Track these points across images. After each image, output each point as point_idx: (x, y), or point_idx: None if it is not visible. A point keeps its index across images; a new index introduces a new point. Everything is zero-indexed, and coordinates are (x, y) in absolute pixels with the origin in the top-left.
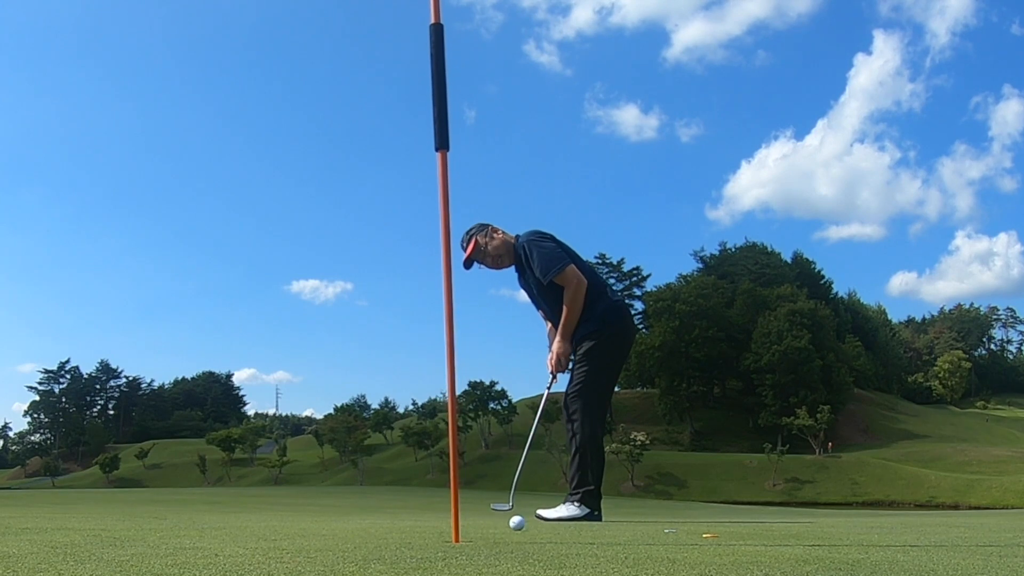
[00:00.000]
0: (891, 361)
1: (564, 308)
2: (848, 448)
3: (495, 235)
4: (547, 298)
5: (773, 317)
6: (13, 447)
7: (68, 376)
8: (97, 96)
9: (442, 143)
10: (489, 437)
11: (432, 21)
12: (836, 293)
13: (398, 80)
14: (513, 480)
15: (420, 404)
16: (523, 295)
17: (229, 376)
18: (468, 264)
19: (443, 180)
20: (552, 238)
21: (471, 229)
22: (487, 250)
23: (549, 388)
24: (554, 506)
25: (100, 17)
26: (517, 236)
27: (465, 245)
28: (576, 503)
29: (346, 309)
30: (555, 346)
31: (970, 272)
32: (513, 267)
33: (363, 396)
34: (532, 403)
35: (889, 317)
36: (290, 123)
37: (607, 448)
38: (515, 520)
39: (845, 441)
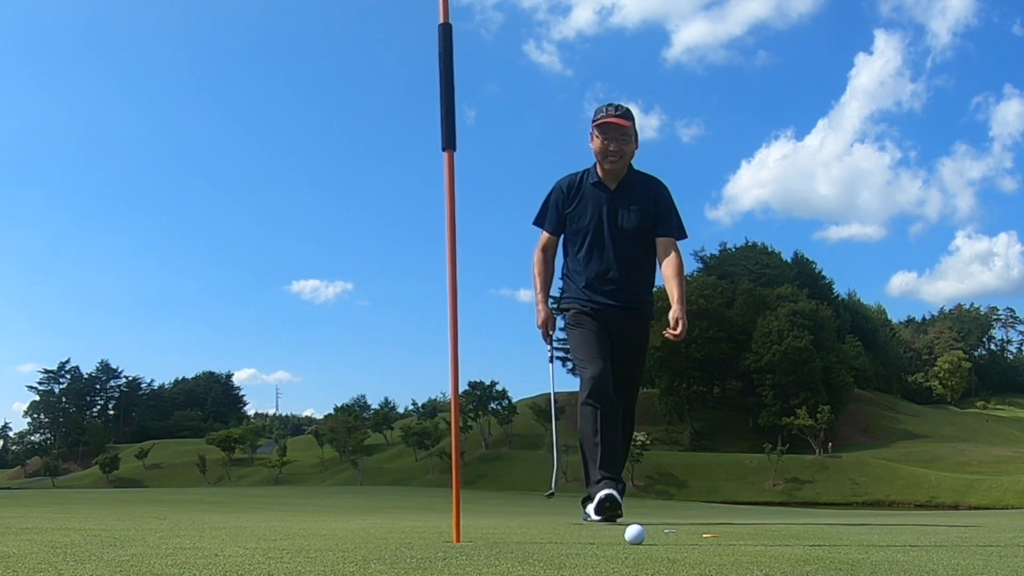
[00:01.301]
0: (891, 361)
1: (680, 275)
2: (848, 448)
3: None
4: (632, 247)
5: (773, 317)
6: (13, 447)
7: (68, 376)
8: (98, 94)
9: (449, 143)
10: (489, 437)
11: (441, 21)
12: (836, 294)
13: (399, 79)
14: (553, 469)
15: (420, 404)
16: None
17: (229, 376)
18: (606, 125)
19: (450, 180)
20: None
21: (631, 113)
22: (630, 137)
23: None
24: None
25: (103, 15)
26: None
27: (622, 113)
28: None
29: (346, 309)
30: (679, 312)
31: (970, 272)
32: (596, 174)
33: (363, 396)
34: (532, 403)
35: (889, 317)
36: (291, 123)
37: None
38: (634, 530)
39: (845, 441)
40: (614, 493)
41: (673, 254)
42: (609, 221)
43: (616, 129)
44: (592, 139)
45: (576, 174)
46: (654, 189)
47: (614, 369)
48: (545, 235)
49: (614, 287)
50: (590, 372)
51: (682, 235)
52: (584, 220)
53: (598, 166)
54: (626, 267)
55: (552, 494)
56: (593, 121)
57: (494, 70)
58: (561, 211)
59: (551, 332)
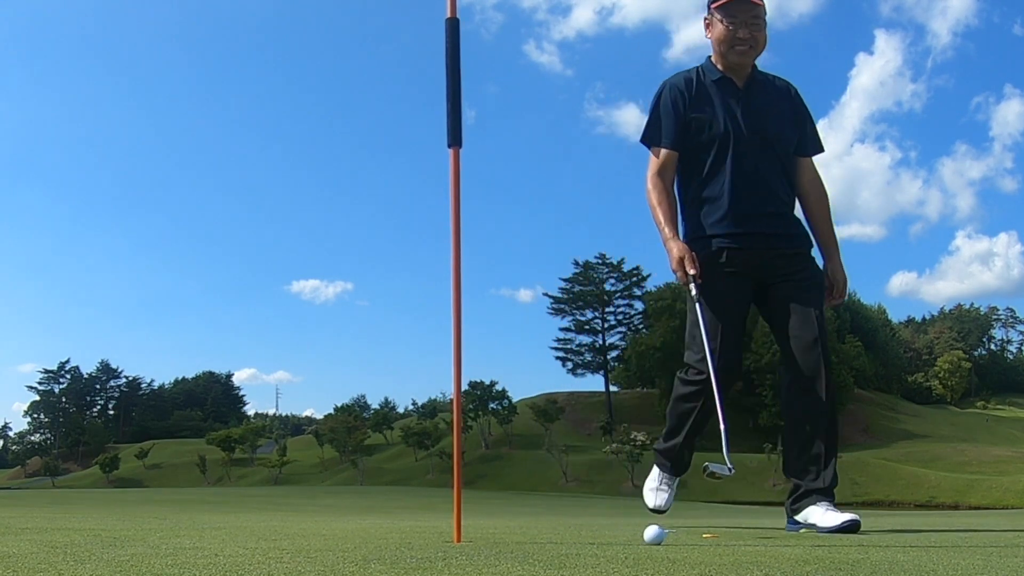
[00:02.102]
0: (891, 361)
1: (830, 213)
2: (848, 448)
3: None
4: (777, 162)
5: None
6: (13, 447)
7: (68, 376)
8: (98, 93)
9: (455, 140)
10: (489, 437)
11: (448, 15)
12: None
13: (401, 77)
14: (722, 440)
15: (420, 404)
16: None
17: (229, 376)
18: (733, 5)
19: (455, 178)
20: None
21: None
22: (763, 21)
23: (697, 296)
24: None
25: (105, 13)
26: None
27: None
28: (835, 505)
29: (346, 309)
30: (840, 271)
31: (970, 272)
32: (716, 68)
33: (363, 396)
34: (532, 403)
35: (889, 317)
36: (291, 122)
37: (606, 449)
38: (653, 531)
39: (845, 441)
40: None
41: (821, 181)
42: (747, 126)
43: (747, 10)
44: (711, 27)
45: (689, 71)
46: (789, 91)
47: (788, 325)
48: (661, 153)
49: (767, 212)
50: (717, 350)
51: (819, 145)
52: (713, 126)
53: (717, 60)
54: (777, 186)
55: (728, 469)
56: (712, 3)
57: (494, 70)
58: (683, 115)
59: (693, 269)
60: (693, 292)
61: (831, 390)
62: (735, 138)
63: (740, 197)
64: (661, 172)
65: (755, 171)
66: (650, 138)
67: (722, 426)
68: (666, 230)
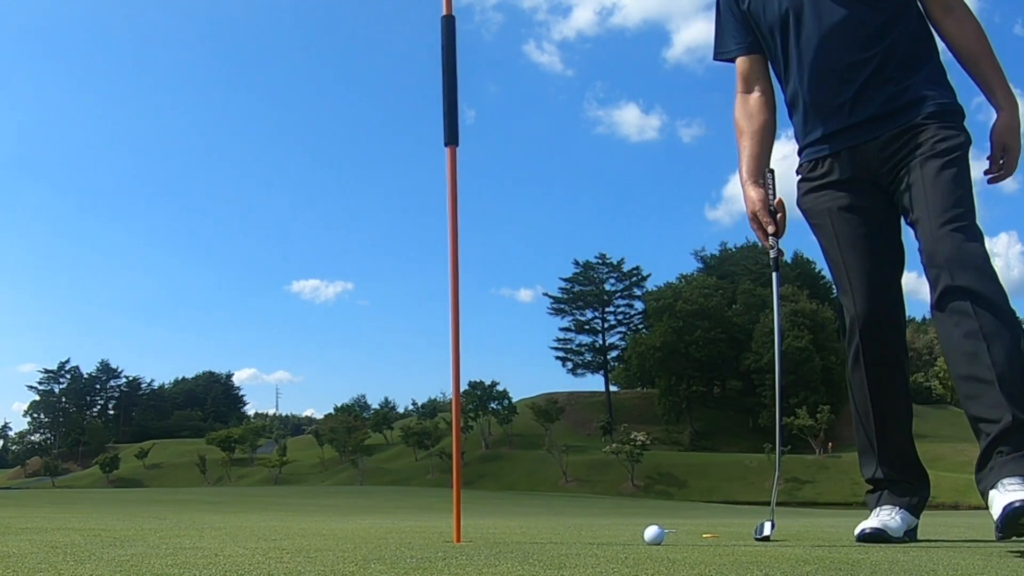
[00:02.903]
0: None
1: (986, 45)
2: (848, 448)
3: None
4: (868, 14)
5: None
6: (13, 447)
7: (68, 376)
8: (100, 93)
9: (451, 138)
10: (489, 437)
11: (444, 13)
12: (836, 294)
13: (399, 78)
14: (772, 496)
15: (420, 404)
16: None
17: (229, 376)
18: None
19: (452, 176)
20: None
21: None
22: None
23: (776, 252)
24: None
25: (109, 9)
26: None
27: None
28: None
29: (347, 309)
30: (1008, 129)
31: None
32: None
33: (363, 396)
34: (532, 403)
35: None
36: (291, 122)
37: (606, 449)
38: (653, 531)
39: (845, 441)
40: (879, 528)
41: (961, 9)
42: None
43: None
44: None
45: None
46: None
47: (922, 224)
48: (736, 63)
49: (852, 95)
50: (852, 304)
51: None
52: (768, 9)
53: None
54: (866, 54)
55: (764, 536)
56: None
57: (494, 70)
58: (744, 11)
59: (769, 224)
60: (772, 254)
61: (997, 300)
62: (795, 12)
63: (816, 85)
64: (744, 88)
65: (831, 45)
66: (719, 52)
67: (776, 475)
68: (742, 171)
